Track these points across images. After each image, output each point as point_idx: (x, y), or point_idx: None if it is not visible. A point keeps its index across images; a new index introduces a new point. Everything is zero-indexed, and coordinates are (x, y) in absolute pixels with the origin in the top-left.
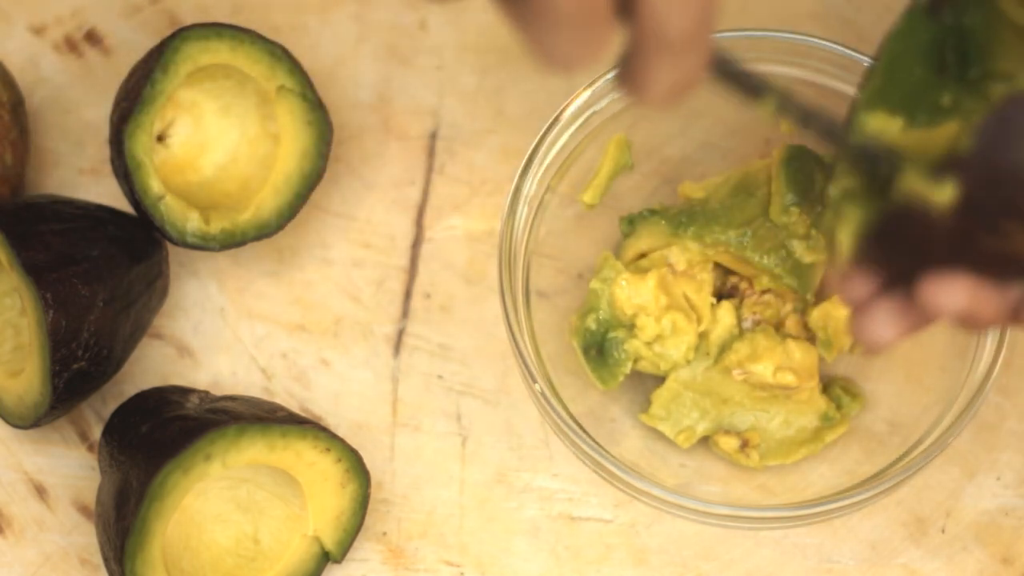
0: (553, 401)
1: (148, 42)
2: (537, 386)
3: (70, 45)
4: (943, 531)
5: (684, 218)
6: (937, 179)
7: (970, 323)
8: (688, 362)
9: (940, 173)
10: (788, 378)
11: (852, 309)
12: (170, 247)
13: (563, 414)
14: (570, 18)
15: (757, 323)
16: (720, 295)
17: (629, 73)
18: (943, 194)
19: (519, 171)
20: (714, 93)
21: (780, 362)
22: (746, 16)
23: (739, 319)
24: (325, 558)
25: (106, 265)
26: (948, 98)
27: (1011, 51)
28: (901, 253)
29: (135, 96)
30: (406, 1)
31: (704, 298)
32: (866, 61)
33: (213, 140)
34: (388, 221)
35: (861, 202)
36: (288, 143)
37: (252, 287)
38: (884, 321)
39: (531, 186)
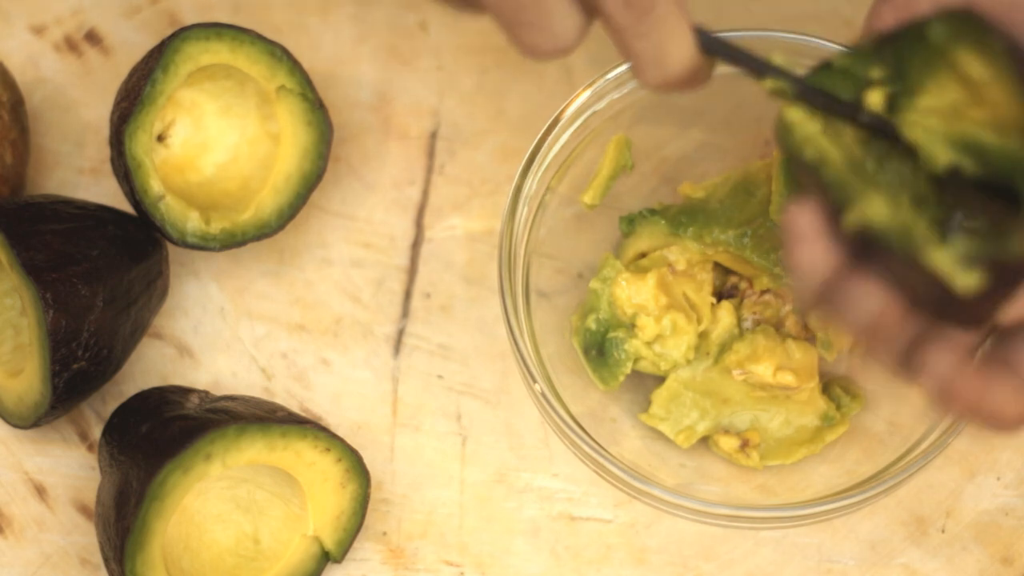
0: (553, 401)
1: (148, 42)
2: (537, 386)
3: (70, 45)
4: (943, 531)
5: (684, 218)
6: (967, 267)
7: (870, 338)
8: (688, 362)
9: (971, 263)
10: (788, 378)
11: (791, 238)
12: (170, 247)
13: (563, 414)
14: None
15: (757, 323)
16: (720, 295)
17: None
18: (967, 281)
19: (519, 171)
20: (714, 93)
21: (780, 362)
22: (747, 17)
23: (739, 319)
24: (325, 558)
25: (106, 265)
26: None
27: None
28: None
29: (135, 96)
30: (406, 1)
31: (704, 298)
32: None
33: (213, 140)
34: (388, 221)
35: (869, 188)
36: (288, 143)
37: (252, 287)
38: (822, 254)
39: (531, 186)
